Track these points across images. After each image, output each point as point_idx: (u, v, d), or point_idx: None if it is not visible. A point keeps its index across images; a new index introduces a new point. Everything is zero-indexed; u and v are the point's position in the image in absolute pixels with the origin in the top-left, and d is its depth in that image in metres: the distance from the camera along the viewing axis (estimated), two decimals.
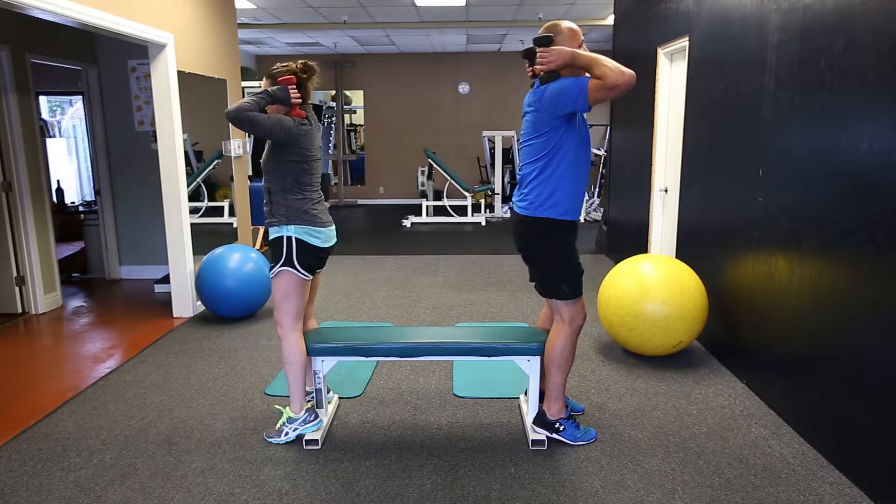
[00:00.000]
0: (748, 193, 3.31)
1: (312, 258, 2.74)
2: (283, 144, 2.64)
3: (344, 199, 11.98)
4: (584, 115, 2.58)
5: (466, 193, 9.51)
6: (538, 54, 2.50)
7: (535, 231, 2.66)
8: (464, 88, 11.68)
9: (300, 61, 2.74)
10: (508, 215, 9.91)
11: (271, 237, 2.74)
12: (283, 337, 2.75)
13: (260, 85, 8.40)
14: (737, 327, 3.49)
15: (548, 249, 2.66)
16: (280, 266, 2.69)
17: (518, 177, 2.72)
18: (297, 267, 2.68)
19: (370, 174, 12.06)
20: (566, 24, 2.54)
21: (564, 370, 2.73)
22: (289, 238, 2.68)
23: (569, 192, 2.58)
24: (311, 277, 2.78)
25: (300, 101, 2.68)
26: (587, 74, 2.42)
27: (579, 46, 2.52)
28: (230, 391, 3.36)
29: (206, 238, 5.06)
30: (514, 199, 2.76)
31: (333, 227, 2.84)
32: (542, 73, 2.51)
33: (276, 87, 2.63)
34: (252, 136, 8.42)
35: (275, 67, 2.70)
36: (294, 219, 2.68)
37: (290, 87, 2.64)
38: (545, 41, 2.48)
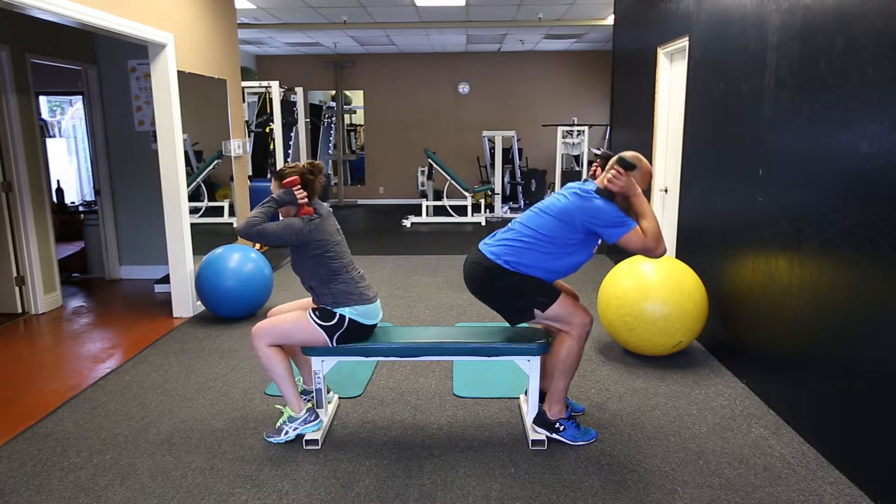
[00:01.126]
0: (748, 193, 3.31)
1: (359, 337, 2.77)
2: (299, 244, 2.70)
3: (344, 199, 11.99)
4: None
5: (466, 193, 9.51)
6: (616, 170, 2.58)
7: (490, 276, 2.66)
8: (464, 88, 11.68)
9: (307, 162, 2.82)
10: (509, 215, 9.92)
11: (324, 308, 2.76)
12: (257, 348, 2.74)
13: (260, 84, 8.40)
14: (737, 327, 3.49)
15: (505, 286, 2.65)
16: (320, 323, 2.70)
17: (509, 227, 2.74)
18: (334, 339, 2.72)
19: (370, 174, 12.06)
20: (647, 163, 2.67)
21: (569, 376, 2.73)
22: (342, 316, 2.71)
23: (541, 272, 2.64)
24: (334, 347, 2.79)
25: (306, 200, 2.73)
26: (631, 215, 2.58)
27: (644, 185, 2.66)
28: (230, 391, 3.36)
29: (206, 238, 5.06)
30: (483, 240, 2.76)
31: (379, 301, 2.87)
32: (601, 186, 2.61)
33: (281, 190, 2.72)
34: (252, 137, 8.43)
35: (283, 168, 2.79)
36: (343, 302, 2.72)
37: (295, 187, 2.71)
38: (629, 167, 2.58)
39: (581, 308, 2.70)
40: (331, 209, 2.91)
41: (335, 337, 2.71)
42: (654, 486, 2.44)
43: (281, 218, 2.76)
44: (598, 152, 2.83)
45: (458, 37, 9.91)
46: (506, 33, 9.54)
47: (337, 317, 2.71)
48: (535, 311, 2.63)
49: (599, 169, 2.73)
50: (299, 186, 2.72)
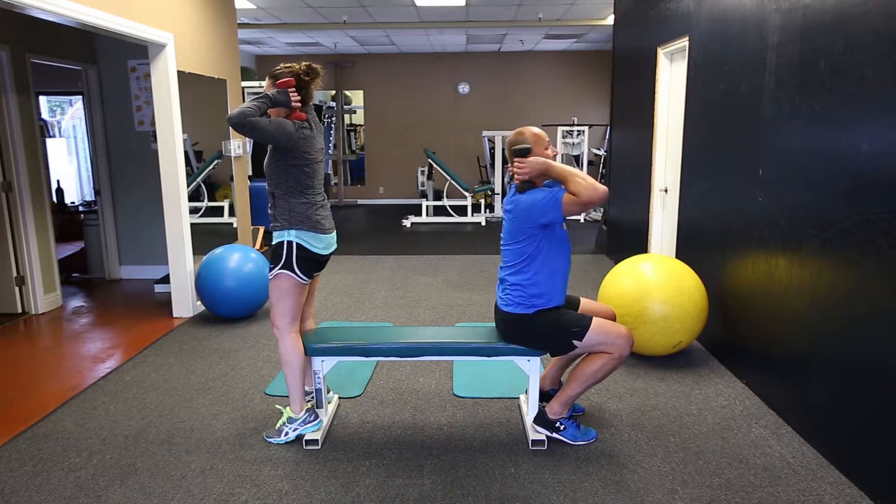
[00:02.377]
0: (748, 193, 3.31)
1: (312, 263, 2.74)
2: (284, 148, 2.63)
3: (344, 199, 11.98)
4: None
5: (466, 193, 9.51)
6: (515, 163, 2.57)
7: (518, 326, 2.69)
8: (464, 88, 11.68)
9: (304, 63, 2.73)
10: None
11: (274, 241, 2.74)
12: (279, 338, 2.75)
13: (260, 84, 8.39)
14: (737, 327, 3.49)
15: (538, 331, 2.68)
16: (279, 269, 2.69)
17: (499, 275, 2.78)
18: (296, 270, 2.68)
19: (370, 174, 12.06)
20: (531, 130, 2.65)
21: (589, 386, 2.71)
22: (289, 243, 2.68)
23: (549, 294, 2.65)
24: (309, 281, 2.78)
25: (300, 104, 2.67)
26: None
27: (545, 148, 2.63)
28: (230, 391, 3.36)
29: (206, 238, 5.06)
30: (496, 292, 2.80)
31: (335, 233, 2.85)
32: (517, 183, 2.60)
33: (275, 90, 2.62)
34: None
35: (277, 68, 2.70)
36: (296, 223, 2.68)
37: (290, 89, 2.63)
38: (523, 151, 2.56)
39: (622, 331, 2.64)
40: (321, 127, 2.84)
41: (294, 267, 2.67)
42: (654, 486, 2.44)
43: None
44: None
45: (458, 37, 9.91)
46: (506, 33, 9.54)
47: (284, 246, 2.67)
48: (574, 342, 2.62)
49: (511, 166, 2.68)
50: (294, 88, 2.64)
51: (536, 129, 2.67)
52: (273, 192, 2.71)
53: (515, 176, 2.59)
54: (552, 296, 2.66)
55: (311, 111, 2.77)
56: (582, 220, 9.43)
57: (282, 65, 2.70)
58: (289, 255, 2.68)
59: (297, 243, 2.68)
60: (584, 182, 2.43)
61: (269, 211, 2.75)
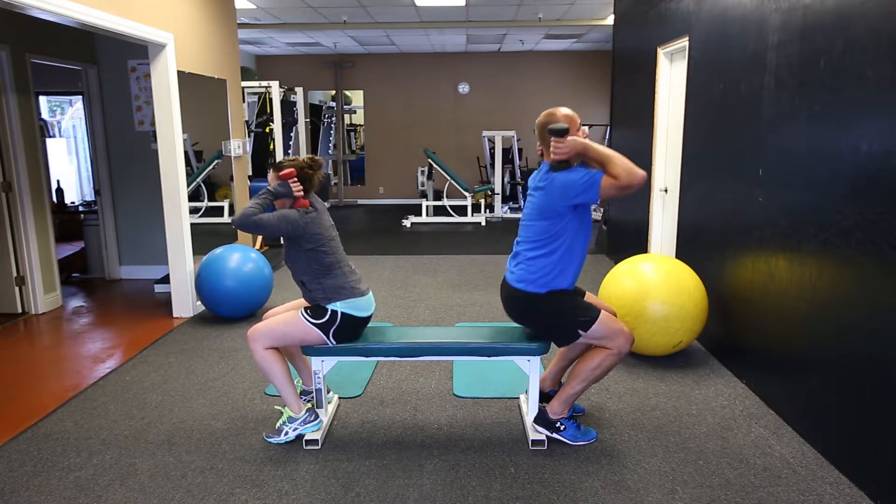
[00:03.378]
0: (748, 193, 3.31)
1: (354, 330, 2.77)
2: (295, 236, 2.69)
3: (344, 199, 11.98)
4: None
5: (466, 193, 9.51)
6: (552, 143, 2.53)
7: (527, 304, 2.67)
8: (464, 88, 11.68)
9: (308, 157, 2.83)
10: (508, 215, 9.92)
11: (316, 305, 2.75)
12: (253, 351, 2.73)
13: (260, 84, 8.41)
14: (737, 327, 3.49)
15: (546, 313, 2.67)
16: (313, 322, 2.69)
17: (514, 247, 2.75)
18: (329, 337, 2.72)
19: (370, 174, 12.06)
20: (563, 111, 2.62)
21: (590, 383, 2.72)
22: (334, 311, 2.70)
23: (564, 275, 2.62)
24: (334, 345, 2.77)
25: (302, 193, 2.73)
26: (595, 167, 2.48)
27: (577, 130, 2.59)
28: (230, 391, 3.36)
29: (206, 238, 5.06)
30: (508, 265, 2.77)
31: (371, 293, 2.87)
32: (553, 162, 2.55)
33: (277, 182, 2.72)
34: (252, 137, 8.43)
35: (282, 160, 2.79)
36: (334, 297, 2.71)
37: (291, 180, 2.71)
38: (562, 132, 2.51)
39: (624, 328, 2.66)
40: (325, 205, 2.91)
41: (331, 333, 2.71)
42: (654, 486, 2.44)
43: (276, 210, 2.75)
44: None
45: (458, 37, 9.91)
46: (506, 33, 9.54)
47: (329, 313, 2.70)
48: (580, 331, 2.62)
49: (543, 147, 2.66)
50: (295, 179, 2.71)
51: (569, 111, 2.62)
52: (302, 280, 2.76)
53: (553, 155, 2.53)
54: (566, 277, 2.62)
55: (315, 198, 2.83)
56: None
57: (286, 159, 2.79)
58: (331, 321, 2.70)
59: (343, 312, 2.71)
60: (624, 165, 2.38)
61: (306, 297, 2.79)
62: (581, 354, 2.87)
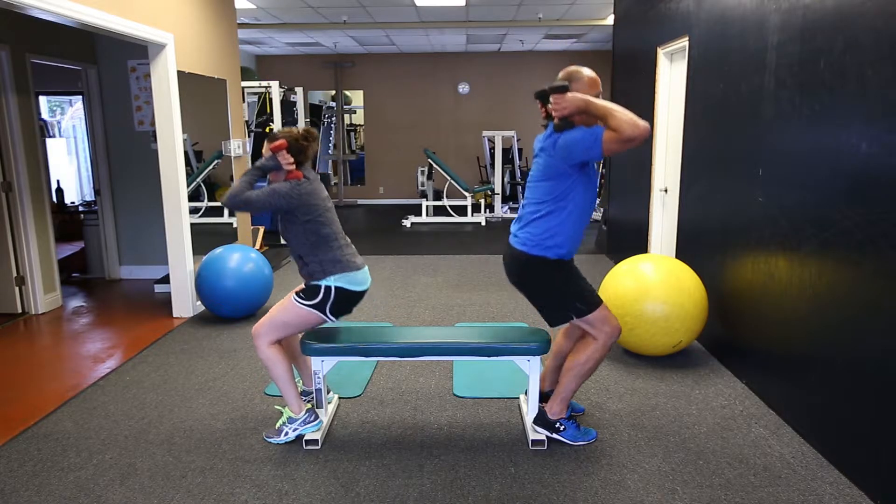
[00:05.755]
0: (748, 193, 3.31)
1: (348, 304, 2.77)
2: (289, 210, 2.67)
3: (344, 199, 11.98)
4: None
5: (466, 193, 9.51)
6: (552, 100, 2.49)
7: (529, 268, 2.66)
8: (464, 88, 11.68)
9: (303, 128, 2.78)
10: (509, 215, 9.91)
11: (309, 284, 2.75)
12: (258, 348, 2.74)
13: (260, 84, 8.39)
14: (737, 327, 3.49)
15: (546, 283, 2.67)
16: (307, 303, 2.69)
17: (519, 211, 2.73)
18: (327, 312, 2.72)
19: (370, 174, 12.06)
20: (587, 72, 2.55)
21: (583, 379, 2.72)
22: (327, 288, 2.69)
23: (569, 237, 2.61)
24: (334, 321, 2.77)
25: (293, 166, 2.70)
26: (600, 123, 2.42)
27: (597, 95, 2.52)
28: (230, 391, 3.36)
29: (206, 238, 5.06)
30: (511, 229, 2.75)
31: (367, 267, 2.86)
32: (556, 121, 2.51)
33: (266, 156, 2.69)
34: (252, 137, 8.43)
35: (277, 132, 2.75)
36: (331, 271, 2.71)
37: (281, 152, 2.67)
38: (561, 89, 2.47)
39: (612, 317, 2.68)
40: (318, 176, 2.87)
41: (327, 309, 2.70)
42: (654, 486, 2.44)
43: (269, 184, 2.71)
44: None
45: (458, 37, 9.91)
46: (506, 33, 9.54)
47: (322, 290, 2.69)
48: (573, 316, 2.63)
49: (544, 108, 2.61)
50: (285, 151, 2.67)
51: (593, 73, 2.55)
52: (299, 254, 2.75)
53: (554, 114, 2.49)
54: (568, 238, 2.60)
55: (309, 169, 2.80)
56: None
57: (282, 129, 2.75)
58: (325, 298, 2.69)
59: (337, 287, 2.70)
60: (625, 117, 2.31)
61: (302, 272, 2.77)
62: (573, 347, 2.86)
